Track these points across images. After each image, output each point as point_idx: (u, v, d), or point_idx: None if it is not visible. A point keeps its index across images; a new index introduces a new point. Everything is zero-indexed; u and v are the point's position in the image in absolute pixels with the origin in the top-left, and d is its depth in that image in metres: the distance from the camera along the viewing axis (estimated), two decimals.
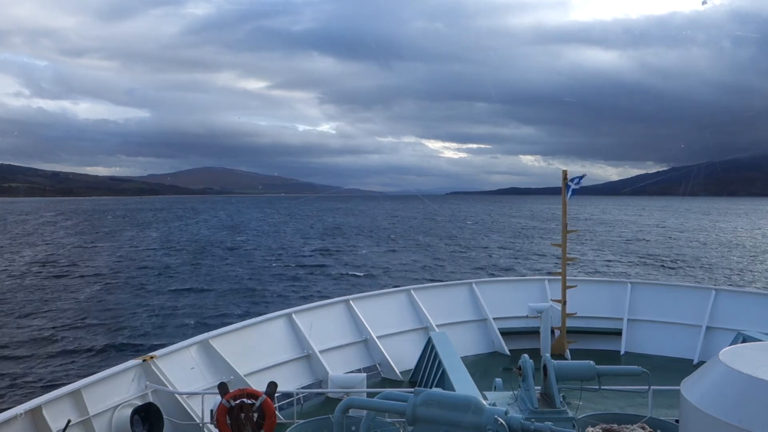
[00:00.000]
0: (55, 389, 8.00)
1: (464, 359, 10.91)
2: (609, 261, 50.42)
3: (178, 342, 10.35)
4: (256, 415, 7.55)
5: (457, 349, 10.88)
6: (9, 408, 7.29)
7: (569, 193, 13.61)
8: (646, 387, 7.37)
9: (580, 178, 13.73)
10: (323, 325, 12.43)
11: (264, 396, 7.66)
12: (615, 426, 5.85)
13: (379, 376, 12.59)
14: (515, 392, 6.90)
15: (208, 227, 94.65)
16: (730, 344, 5.04)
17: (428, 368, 11.35)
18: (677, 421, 4.65)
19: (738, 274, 43.50)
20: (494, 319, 14.48)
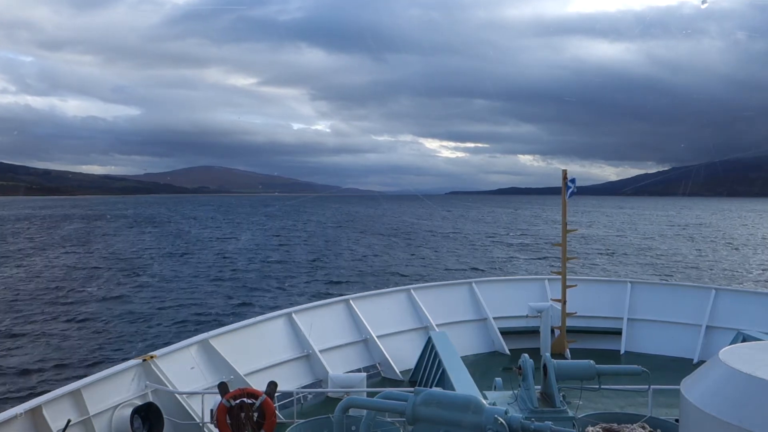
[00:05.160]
0: (55, 389, 8.01)
1: (464, 359, 10.92)
2: (609, 261, 50.46)
3: (178, 342, 10.36)
4: (256, 414, 7.56)
5: (457, 349, 10.89)
6: (9, 408, 7.29)
7: (568, 194, 13.62)
8: (646, 386, 7.38)
9: (572, 181, 13.71)
10: (323, 325, 12.43)
11: (264, 396, 7.67)
12: (615, 425, 5.84)
13: (379, 375, 12.60)
14: (515, 392, 6.91)
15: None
16: (730, 344, 5.03)
17: (428, 368, 11.36)
18: (677, 420, 4.65)
19: (738, 274, 43.52)
20: (494, 318, 14.49)
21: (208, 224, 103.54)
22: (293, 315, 12.09)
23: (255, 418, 7.54)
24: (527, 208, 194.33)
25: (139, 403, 8.52)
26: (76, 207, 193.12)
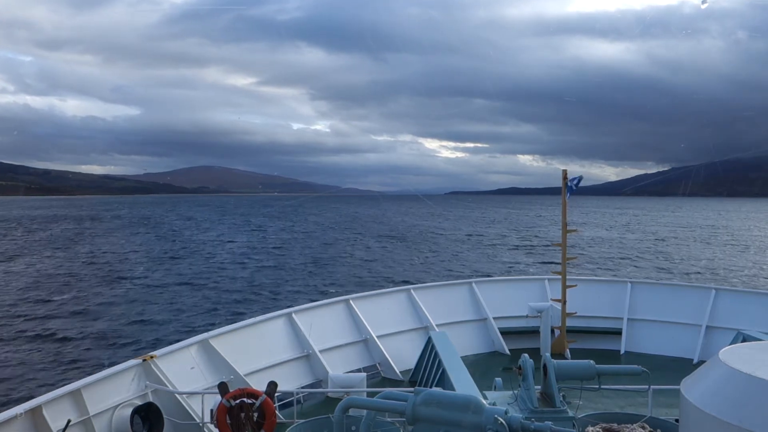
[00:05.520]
0: (55, 389, 8.01)
1: (464, 359, 10.93)
2: (609, 261, 50.45)
3: (178, 342, 10.36)
4: (256, 414, 7.56)
5: (457, 349, 10.89)
6: (9, 408, 7.29)
7: (568, 193, 13.63)
8: (646, 386, 7.38)
9: (579, 179, 13.74)
10: (323, 325, 12.43)
11: (264, 396, 7.67)
12: (615, 425, 5.84)
13: (379, 375, 12.60)
14: (515, 392, 6.91)
15: None
16: (730, 344, 5.04)
17: (428, 368, 11.36)
18: (677, 420, 4.65)
19: (738, 274, 43.53)
20: (494, 318, 14.49)
21: (205, 225, 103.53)
22: (293, 315, 12.09)
23: (255, 418, 7.54)
24: (527, 208, 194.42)
25: (139, 403, 8.52)
26: (70, 207, 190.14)
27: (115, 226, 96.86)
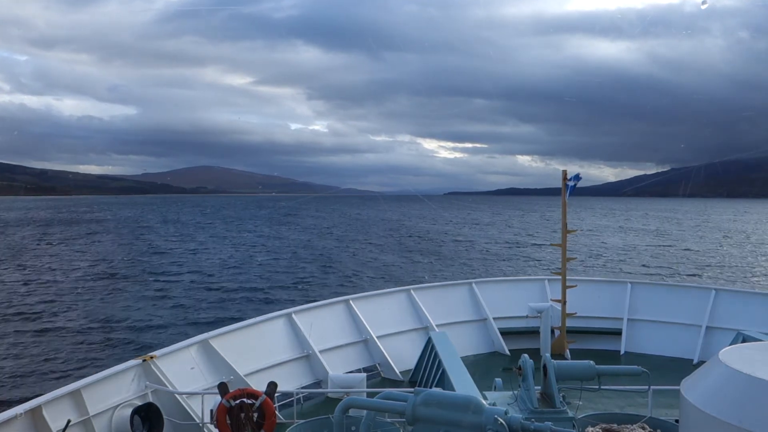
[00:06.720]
0: (55, 389, 8.01)
1: (464, 359, 10.93)
2: (609, 261, 50.44)
3: (178, 342, 10.36)
4: (256, 415, 7.56)
5: (457, 349, 10.90)
6: (9, 408, 7.29)
7: (567, 192, 13.63)
8: (646, 387, 7.38)
9: (577, 177, 13.72)
10: (323, 325, 12.44)
11: (264, 396, 7.67)
12: (615, 426, 5.85)
13: (379, 376, 12.61)
14: (515, 392, 6.92)
15: None
16: (730, 344, 5.04)
17: (428, 368, 11.37)
18: (677, 421, 4.66)
19: (738, 274, 43.52)
20: (494, 318, 14.50)
21: (201, 227, 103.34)
22: (293, 315, 12.10)
23: (255, 419, 7.54)
24: (527, 209, 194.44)
25: (139, 403, 8.52)
26: (50, 209, 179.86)
27: (82, 229, 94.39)
